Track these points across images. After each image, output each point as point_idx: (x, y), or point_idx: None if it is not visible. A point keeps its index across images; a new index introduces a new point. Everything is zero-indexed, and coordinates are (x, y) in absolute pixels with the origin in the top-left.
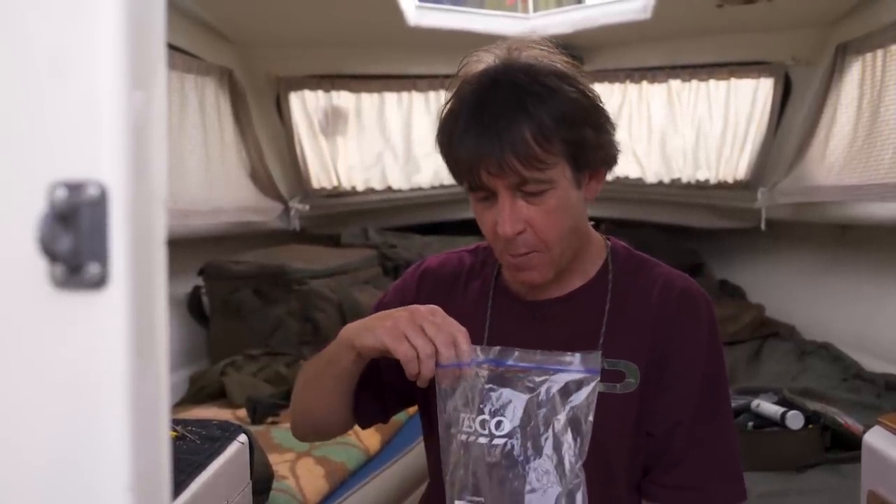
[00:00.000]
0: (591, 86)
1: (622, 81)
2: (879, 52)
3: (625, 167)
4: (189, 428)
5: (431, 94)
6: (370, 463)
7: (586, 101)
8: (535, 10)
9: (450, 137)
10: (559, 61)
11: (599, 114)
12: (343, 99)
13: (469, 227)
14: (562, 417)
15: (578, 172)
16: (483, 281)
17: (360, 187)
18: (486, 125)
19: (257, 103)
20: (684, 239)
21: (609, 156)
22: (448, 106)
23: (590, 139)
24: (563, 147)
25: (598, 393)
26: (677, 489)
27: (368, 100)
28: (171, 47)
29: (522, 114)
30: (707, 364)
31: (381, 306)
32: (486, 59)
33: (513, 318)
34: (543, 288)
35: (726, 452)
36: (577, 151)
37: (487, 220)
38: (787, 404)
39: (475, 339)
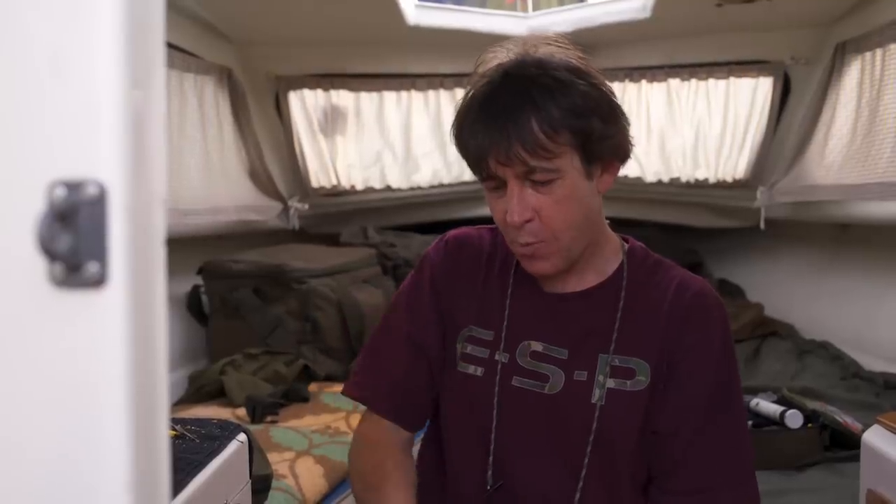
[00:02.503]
0: (604, 80)
1: (621, 80)
2: (878, 51)
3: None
4: (188, 427)
5: (431, 93)
6: None
7: (597, 94)
8: (535, 8)
9: (461, 129)
10: (574, 57)
11: (610, 107)
12: (342, 98)
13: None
14: None
15: (589, 164)
16: (503, 266)
17: (359, 186)
18: (494, 116)
19: (256, 102)
20: (683, 238)
21: (620, 148)
22: (463, 99)
23: (597, 130)
24: (571, 137)
25: (609, 389)
26: (686, 493)
27: (368, 99)
28: (171, 46)
29: (529, 105)
30: (718, 366)
31: (403, 296)
32: (501, 55)
33: (531, 309)
34: (561, 282)
35: (737, 454)
36: (585, 142)
37: (498, 209)
38: (786, 403)
39: (491, 324)
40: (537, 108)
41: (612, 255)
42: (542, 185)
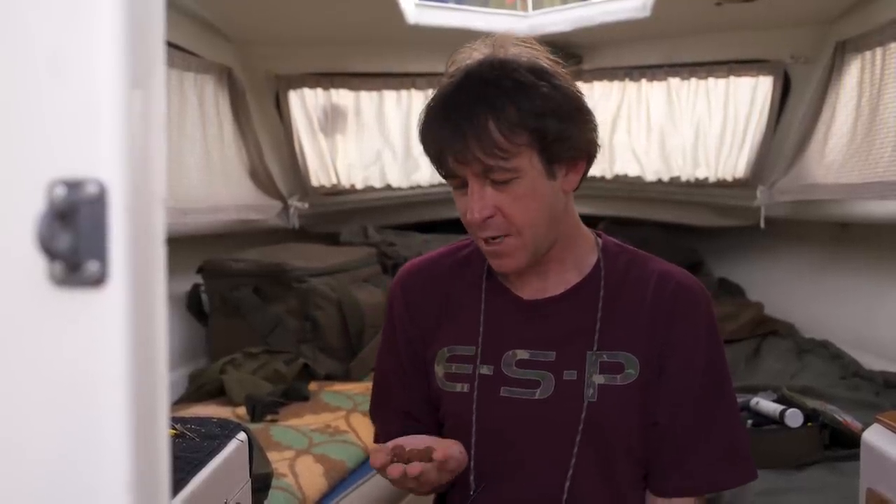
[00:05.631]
0: (572, 82)
1: (621, 80)
2: (878, 50)
3: (624, 165)
4: (188, 426)
5: (430, 92)
6: (369, 461)
7: (558, 95)
8: (535, 7)
9: (422, 128)
10: (541, 57)
11: (572, 107)
12: (342, 97)
13: None
14: None
15: (550, 164)
16: (472, 280)
17: (359, 185)
18: (452, 116)
19: (256, 101)
20: (683, 237)
21: (581, 148)
22: (430, 99)
23: (555, 131)
24: (528, 137)
25: (600, 385)
26: (690, 478)
27: (368, 98)
28: (170, 45)
29: (487, 106)
30: (707, 354)
31: (385, 335)
32: (469, 55)
33: (508, 317)
34: (542, 284)
35: (733, 435)
36: (543, 142)
37: (462, 207)
38: (786, 402)
39: (470, 339)
40: (494, 110)
41: (588, 251)
42: (502, 183)
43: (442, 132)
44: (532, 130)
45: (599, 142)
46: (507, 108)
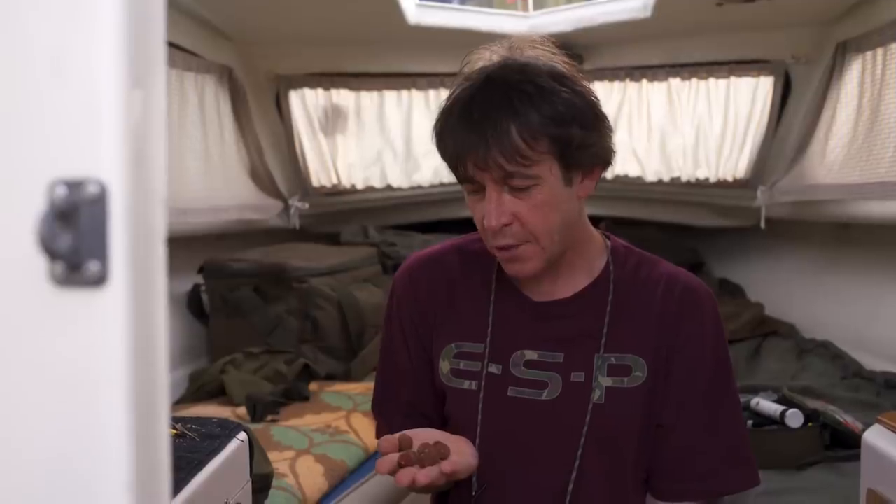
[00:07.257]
0: (589, 87)
1: (622, 80)
2: (880, 51)
3: (624, 165)
4: (189, 426)
5: (431, 92)
6: (370, 461)
7: (579, 101)
8: (536, 7)
9: (441, 131)
10: (559, 62)
11: (593, 114)
12: (343, 97)
13: (469, 226)
14: None
15: (568, 171)
16: (481, 277)
17: (359, 185)
18: (473, 121)
19: (257, 101)
20: (684, 237)
21: (600, 156)
22: (445, 102)
23: (577, 138)
24: (551, 145)
25: (607, 387)
26: (694, 479)
27: (368, 98)
28: (171, 45)
29: (509, 111)
30: (713, 357)
31: (386, 335)
32: (485, 57)
33: (517, 317)
34: (551, 288)
35: (737, 440)
36: (565, 149)
37: (478, 212)
38: (787, 402)
39: (478, 336)
40: (517, 115)
41: (598, 253)
42: (520, 190)
43: (462, 136)
44: (554, 137)
45: (614, 147)
46: (529, 114)
